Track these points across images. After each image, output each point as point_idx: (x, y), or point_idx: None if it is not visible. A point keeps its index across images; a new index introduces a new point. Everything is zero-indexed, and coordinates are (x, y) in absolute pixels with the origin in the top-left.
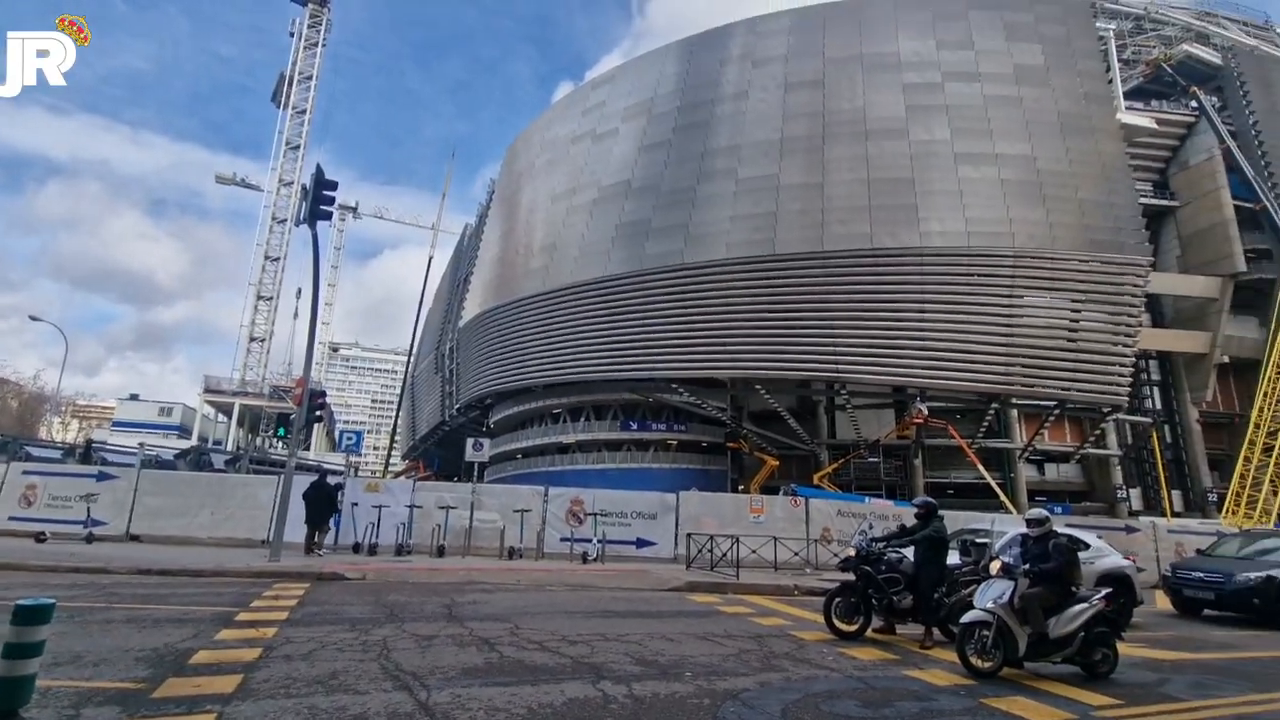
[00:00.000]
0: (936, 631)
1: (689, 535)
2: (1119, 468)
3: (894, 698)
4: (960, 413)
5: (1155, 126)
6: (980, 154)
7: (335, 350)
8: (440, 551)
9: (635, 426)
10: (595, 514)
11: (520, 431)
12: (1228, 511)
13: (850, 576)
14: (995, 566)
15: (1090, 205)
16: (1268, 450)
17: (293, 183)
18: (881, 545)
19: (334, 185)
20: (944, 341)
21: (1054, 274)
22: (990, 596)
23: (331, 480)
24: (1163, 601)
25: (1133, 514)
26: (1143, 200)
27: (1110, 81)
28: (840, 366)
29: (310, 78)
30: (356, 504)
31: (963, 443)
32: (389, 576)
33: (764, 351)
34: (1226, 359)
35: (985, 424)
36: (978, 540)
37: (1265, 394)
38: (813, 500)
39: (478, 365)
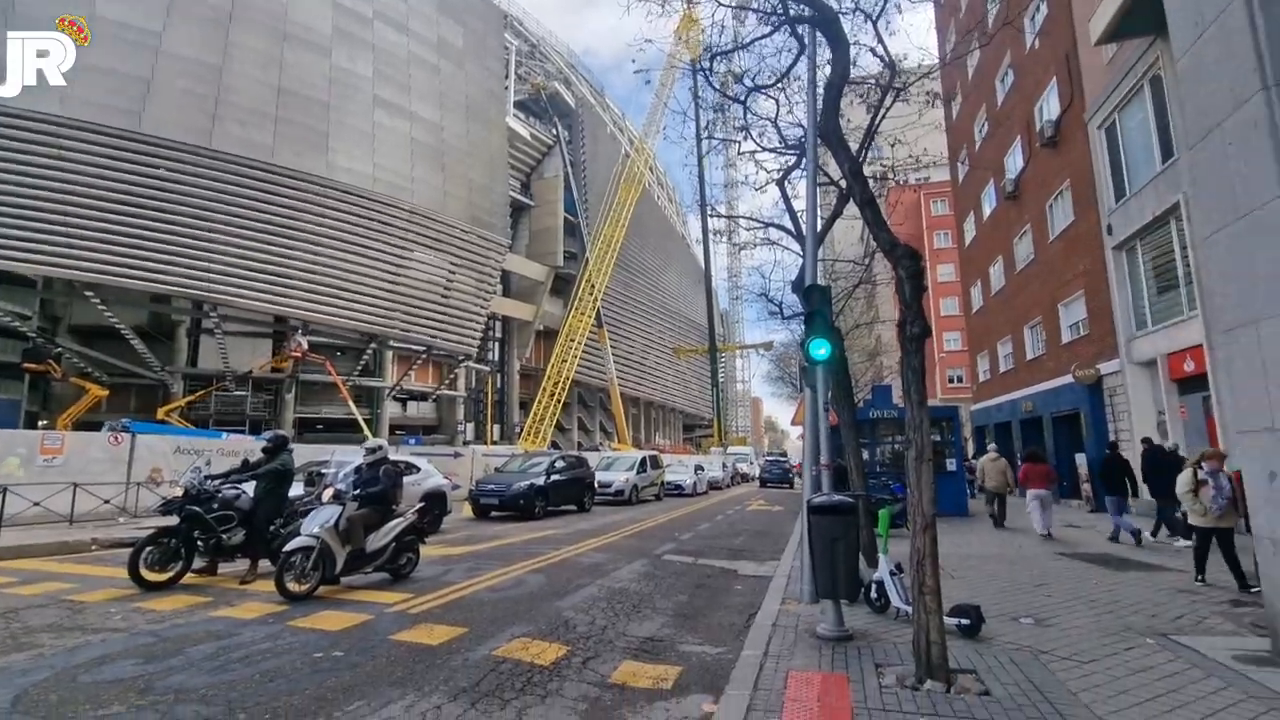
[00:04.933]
0: (266, 564)
1: None
2: (463, 406)
3: (188, 644)
4: (340, 349)
5: (529, 138)
6: (398, 105)
7: None
8: None
9: None
10: None
11: None
12: (523, 438)
13: (174, 520)
14: (327, 494)
15: (476, 185)
16: (552, 396)
17: None
18: (219, 482)
19: None
20: (335, 277)
21: (441, 235)
22: (318, 522)
23: None
24: (469, 510)
25: (466, 443)
26: (511, 194)
27: (507, 88)
28: (216, 285)
29: None
30: None
31: (339, 379)
32: None
33: (110, 250)
34: (542, 327)
35: (363, 362)
36: (322, 471)
37: (557, 356)
38: (141, 437)
39: None
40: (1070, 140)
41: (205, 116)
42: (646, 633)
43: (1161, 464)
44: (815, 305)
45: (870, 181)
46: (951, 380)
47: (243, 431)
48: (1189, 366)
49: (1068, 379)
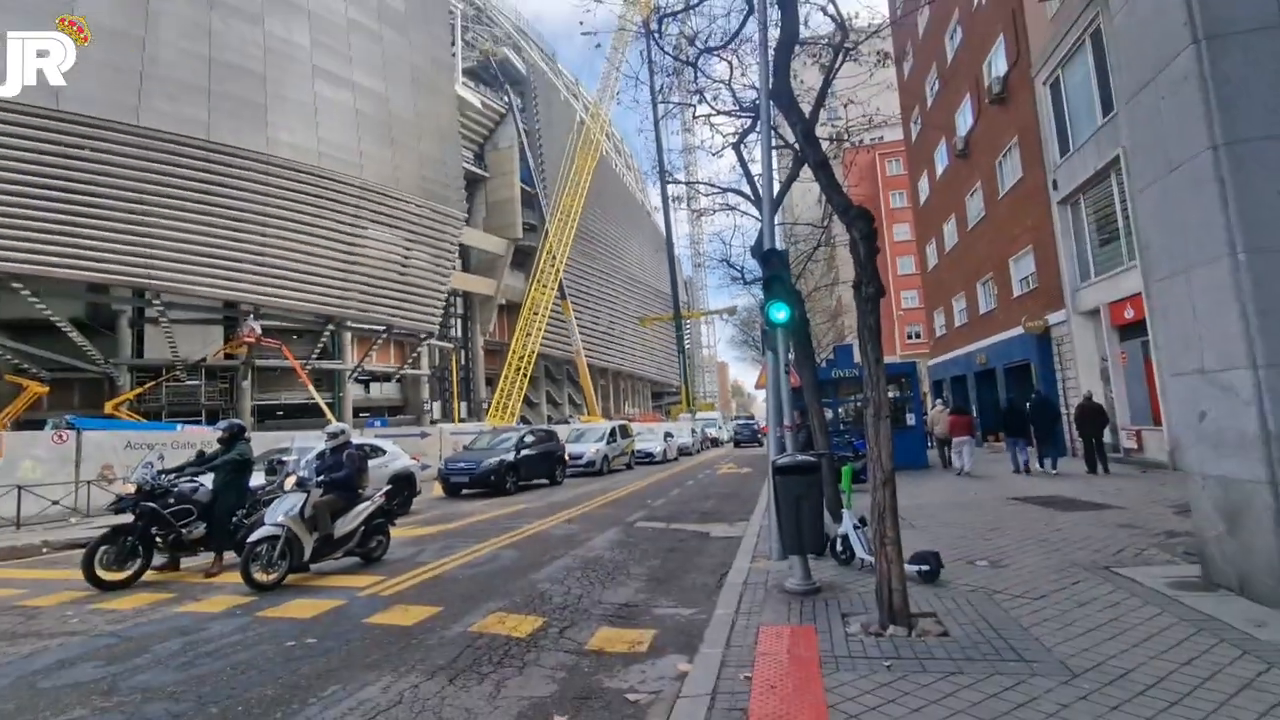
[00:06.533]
0: (231, 555)
1: None
2: (428, 385)
3: (153, 642)
4: (297, 333)
5: (480, 107)
6: (339, 76)
7: None
8: None
9: None
10: None
11: None
12: (491, 415)
13: (128, 518)
14: (290, 481)
15: (428, 158)
16: (519, 370)
17: None
18: (173, 476)
19: None
20: (285, 259)
21: (395, 212)
22: (282, 510)
23: None
24: (439, 489)
25: (433, 423)
26: (466, 166)
27: (454, 55)
28: (156, 272)
29: None
30: None
31: (296, 364)
32: None
33: (36, 238)
34: (504, 301)
35: (320, 345)
36: (283, 459)
37: (521, 329)
38: (87, 433)
39: None
40: (1018, 97)
41: (130, 91)
42: (621, 599)
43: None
44: (774, 269)
45: (825, 143)
46: (910, 336)
47: (199, 422)
48: (1129, 314)
49: (1018, 331)
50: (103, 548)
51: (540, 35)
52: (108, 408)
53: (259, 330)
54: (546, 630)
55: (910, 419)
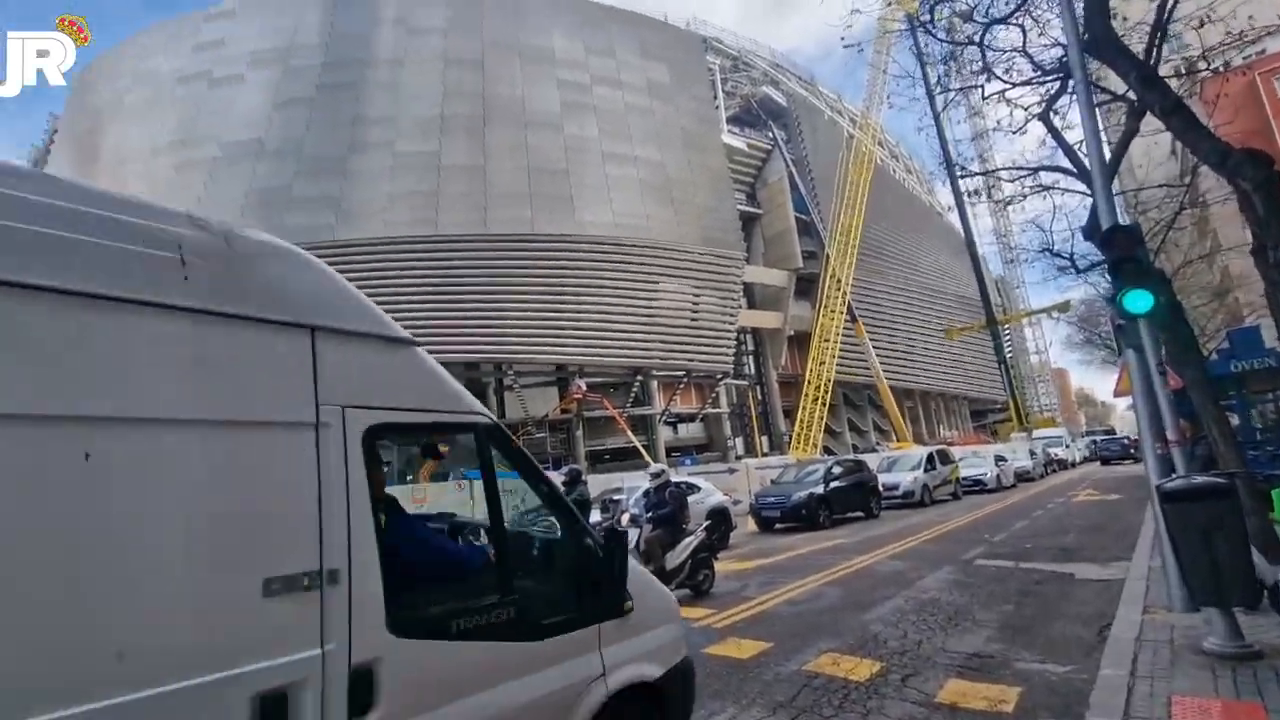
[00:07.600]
0: None
1: None
2: (728, 422)
3: None
4: (613, 386)
5: (746, 149)
6: (623, 155)
7: None
8: None
9: None
10: None
11: None
12: (793, 447)
13: None
14: (625, 519)
15: (704, 209)
16: (816, 400)
17: None
18: (533, 517)
19: None
20: (597, 321)
21: (681, 264)
22: None
23: None
24: (752, 524)
25: (738, 458)
26: (739, 208)
27: (717, 107)
28: (508, 348)
29: None
30: None
31: (615, 412)
32: None
33: (430, 335)
34: (792, 333)
35: (633, 394)
36: (614, 499)
37: (814, 359)
38: (476, 483)
39: None
40: None
41: (479, 209)
42: (969, 648)
43: None
44: (1120, 251)
45: (1172, 82)
46: None
47: (547, 469)
48: None
49: None
50: None
51: (795, 64)
52: None
53: (584, 387)
54: (887, 676)
55: None
